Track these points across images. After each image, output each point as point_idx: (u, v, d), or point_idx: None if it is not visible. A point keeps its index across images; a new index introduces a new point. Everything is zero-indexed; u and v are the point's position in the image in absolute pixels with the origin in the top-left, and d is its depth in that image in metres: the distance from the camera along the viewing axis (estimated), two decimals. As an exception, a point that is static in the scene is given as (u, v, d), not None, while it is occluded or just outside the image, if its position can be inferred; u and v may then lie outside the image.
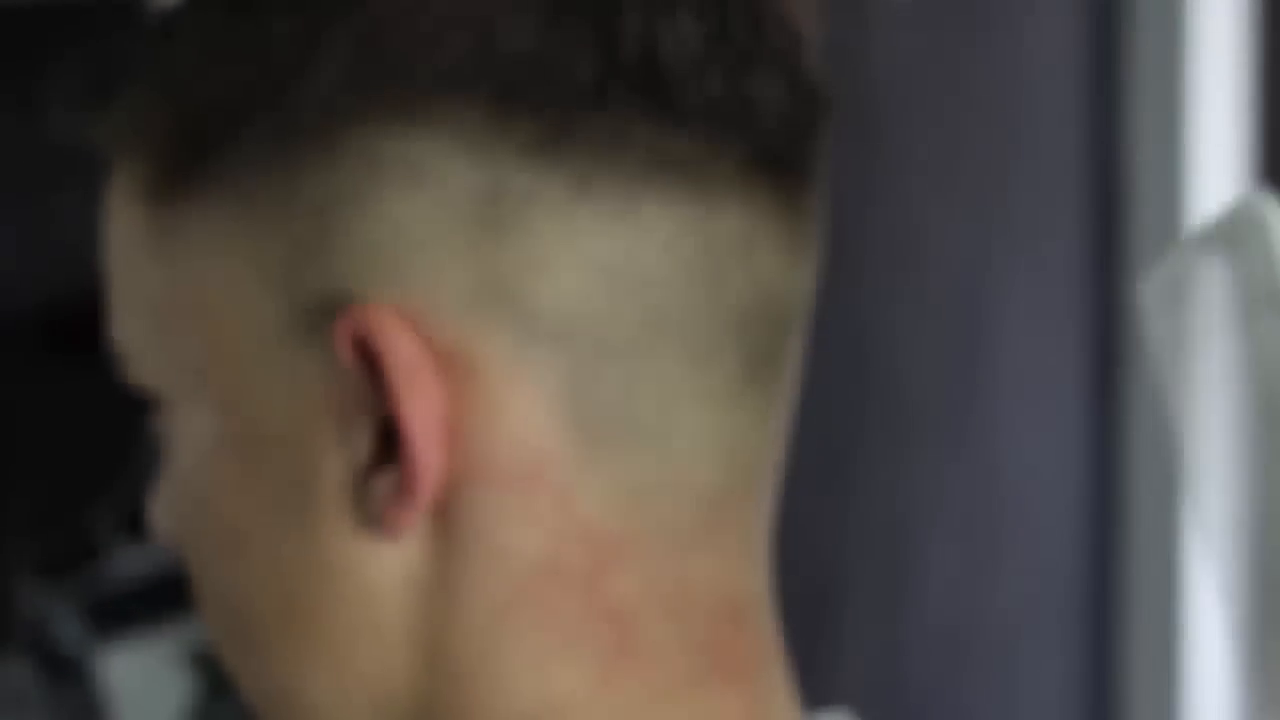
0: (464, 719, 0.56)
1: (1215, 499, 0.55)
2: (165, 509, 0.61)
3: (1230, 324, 0.54)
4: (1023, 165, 2.16)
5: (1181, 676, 2.33)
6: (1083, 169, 2.24)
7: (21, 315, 1.27)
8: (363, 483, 0.55)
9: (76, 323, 1.23)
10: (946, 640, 2.12)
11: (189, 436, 0.58)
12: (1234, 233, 0.55)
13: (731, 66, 0.55)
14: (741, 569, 0.58)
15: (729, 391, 0.57)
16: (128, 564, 1.34)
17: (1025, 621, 2.23)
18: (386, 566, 0.55)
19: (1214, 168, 2.26)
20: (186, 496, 0.59)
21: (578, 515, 0.55)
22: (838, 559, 1.99)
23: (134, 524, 1.21)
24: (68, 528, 1.28)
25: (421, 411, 0.53)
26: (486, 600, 0.55)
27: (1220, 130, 2.27)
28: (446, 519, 0.55)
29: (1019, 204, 2.16)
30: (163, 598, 1.34)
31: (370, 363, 0.54)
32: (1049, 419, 2.26)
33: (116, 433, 1.21)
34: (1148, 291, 0.60)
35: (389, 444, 0.55)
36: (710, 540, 0.57)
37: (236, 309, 0.56)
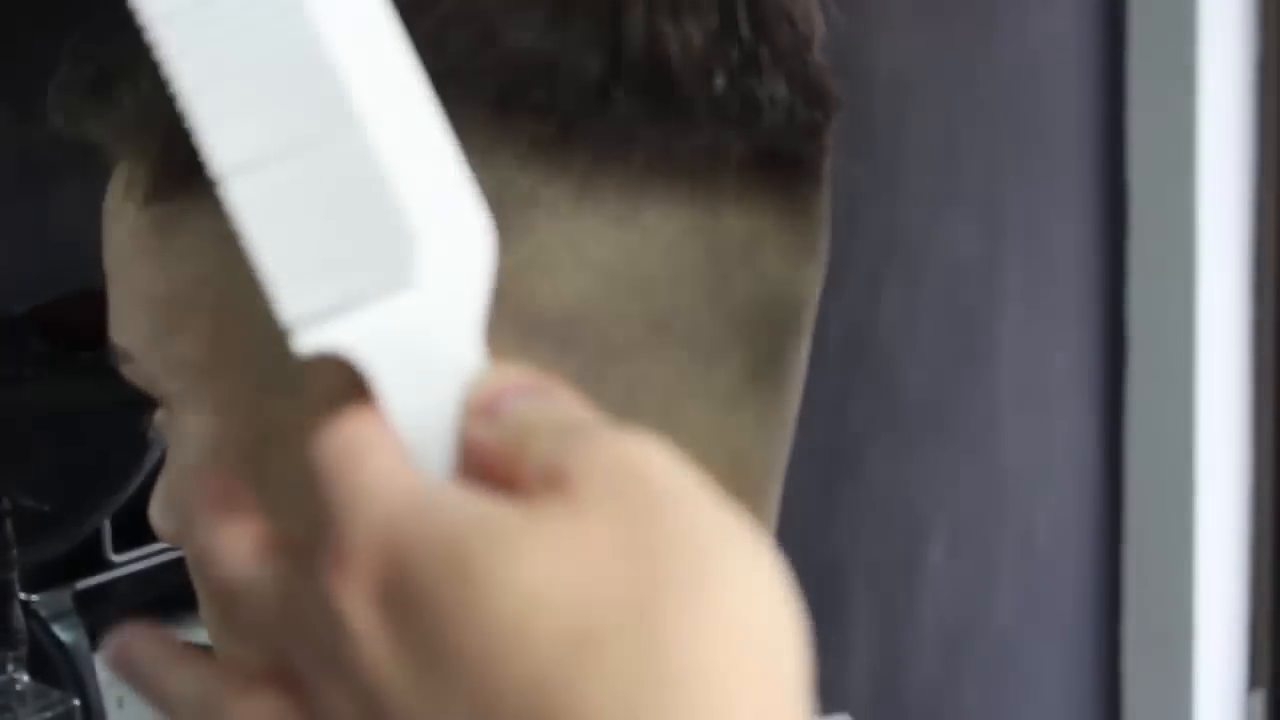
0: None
1: None
2: (166, 508, 0.61)
3: None
4: (1027, 164, 2.16)
5: (1184, 678, 2.33)
6: (1088, 167, 2.24)
7: (21, 315, 1.27)
8: (363, 484, 0.54)
9: (77, 322, 1.22)
10: (948, 644, 2.12)
11: (190, 436, 0.58)
12: None
13: (737, 67, 0.54)
14: (744, 571, 0.58)
15: (732, 392, 0.56)
16: (128, 564, 1.33)
17: (1026, 624, 2.23)
18: (386, 568, 0.55)
19: (1220, 166, 2.26)
20: (187, 496, 0.58)
21: (580, 517, 0.55)
22: (838, 561, 1.98)
23: (135, 523, 1.21)
24: (68, 527, 1.28)
25: (421, 413, 0.53)
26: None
27: (1227, 128, 2.26)
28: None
29: (1023, 202, 2.15)
30: (162, 598, 1.33)
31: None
32: (1051, 420, 2.26)
33: (117, 432, 1.20)
34: None
35: (389, 445, 0.54)
36: (713, 543, 0.57)
37: (237, 309, 0.55)
